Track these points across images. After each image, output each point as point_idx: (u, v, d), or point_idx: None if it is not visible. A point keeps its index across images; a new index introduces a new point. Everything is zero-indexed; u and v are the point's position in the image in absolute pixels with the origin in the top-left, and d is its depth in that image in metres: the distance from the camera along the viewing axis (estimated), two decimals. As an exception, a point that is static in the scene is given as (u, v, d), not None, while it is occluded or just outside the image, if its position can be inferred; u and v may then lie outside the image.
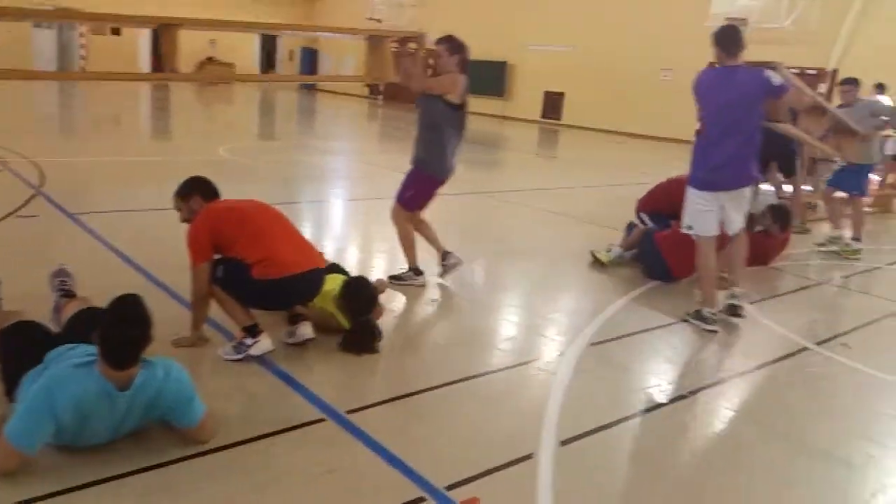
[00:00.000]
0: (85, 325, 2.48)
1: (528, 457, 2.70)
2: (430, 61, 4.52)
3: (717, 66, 4.42)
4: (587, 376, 3.58)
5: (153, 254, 4.76)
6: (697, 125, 4.54)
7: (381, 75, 4.21)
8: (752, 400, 3.58)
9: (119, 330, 2.29)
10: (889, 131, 11.99)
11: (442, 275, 4.88)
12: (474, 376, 3.45)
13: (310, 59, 30.41)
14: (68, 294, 3.41)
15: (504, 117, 23.01)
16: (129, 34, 25.73)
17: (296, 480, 2.44)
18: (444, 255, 4.87)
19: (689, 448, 3.05)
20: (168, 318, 3.54)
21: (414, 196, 4.64)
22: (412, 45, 4.23)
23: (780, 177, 8.36)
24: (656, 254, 5.35)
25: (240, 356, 3.27)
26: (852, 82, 6.98)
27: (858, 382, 3.86)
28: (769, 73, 4.15)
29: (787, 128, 5.05)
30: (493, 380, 3.48)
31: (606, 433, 2.99)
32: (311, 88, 30.86)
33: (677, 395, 3.43)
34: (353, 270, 4.70)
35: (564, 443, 2.84)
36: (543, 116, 22.70)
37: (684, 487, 2.69)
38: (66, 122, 13.47)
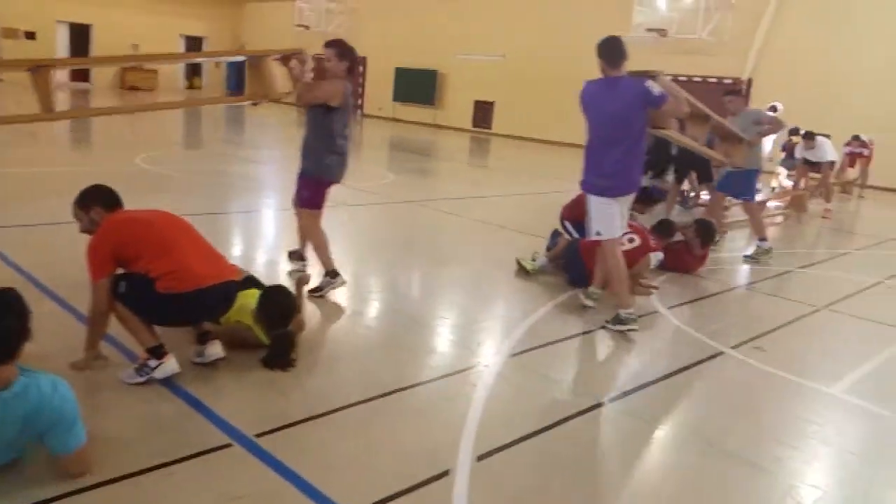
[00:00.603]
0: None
1: (445, 473, 2.64)
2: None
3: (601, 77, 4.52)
4: (508, 387, 3.55)
5: (55, 270, 4.48)
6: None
7: (265, 93, 4.19)
8: (669, 405, 3.62)
9: None
10: (796, 139, 12.60)
11: (290, 271, 5.10)
12: (395, 391, 3.36)
13: (236, 66, 29.38)
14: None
15: (436, 126, 23.05)
16: (46, 36, 24.67)
17: (196, 511, 2.29)
18: (300, 256, 5.09)
19: (605, 456, 3.04)
20: (65, 335, 3.34)
21: (312, 196, 4.69)
22: (294, 63, 4.24)
23: (696, 185, 8.64)
24: (579, 261, 5.41)
25: (142, 379, 3.07)
26: (736, 93, 7.48)
27: (771, 385, 3.95)
28: (649, 84, 4.26)
29: (674, 135, 5.15)
30: (413, 394, 3.40)
31: (523, 445, 2.95)
32: (238, 96, 30.02)
33: (595, 404, 3.43)
34: (280, 281, 4.55)
35: (482, 457, 2.78)
36: (474, 125, 22.84)
37: (599, 496, 2.67)
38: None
